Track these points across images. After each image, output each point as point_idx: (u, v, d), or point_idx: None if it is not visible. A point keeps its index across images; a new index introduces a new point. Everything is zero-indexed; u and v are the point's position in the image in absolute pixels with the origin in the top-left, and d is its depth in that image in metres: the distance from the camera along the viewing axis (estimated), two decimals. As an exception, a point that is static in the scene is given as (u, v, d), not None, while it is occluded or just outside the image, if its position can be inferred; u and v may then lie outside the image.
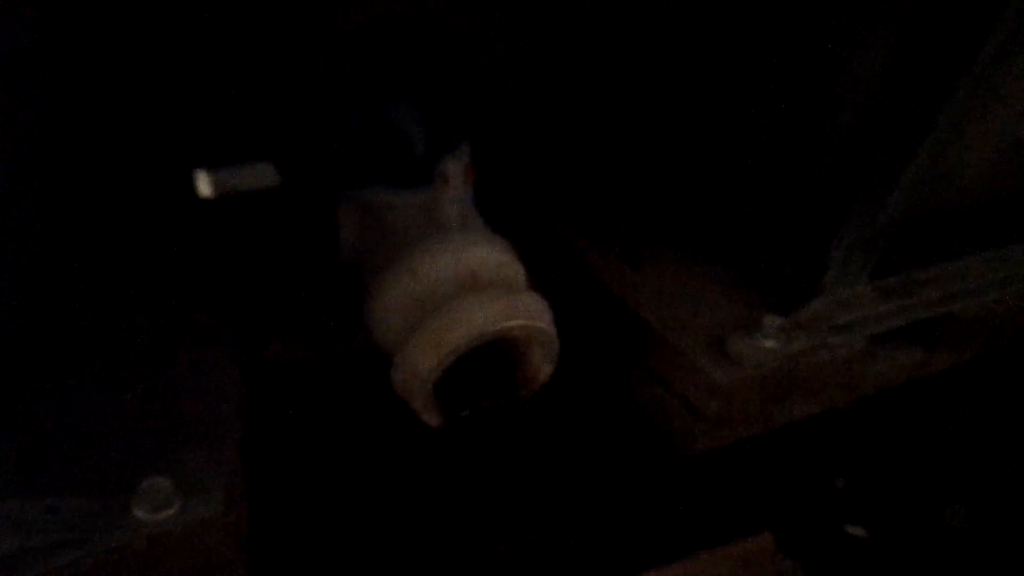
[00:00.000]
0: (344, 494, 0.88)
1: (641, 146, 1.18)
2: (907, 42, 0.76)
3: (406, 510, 0.88)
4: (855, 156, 0.83)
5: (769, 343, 0.84)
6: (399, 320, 0.76)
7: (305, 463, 0.90)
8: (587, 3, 1.05)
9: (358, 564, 0.82)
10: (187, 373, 0.76)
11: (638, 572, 0.82)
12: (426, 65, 0.88)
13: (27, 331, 0.77)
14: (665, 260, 1.00)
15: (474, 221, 0.85)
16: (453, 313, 0.72)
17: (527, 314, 0.74)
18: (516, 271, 0.79)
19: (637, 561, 0.84)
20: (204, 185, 1.11)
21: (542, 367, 0.81)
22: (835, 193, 0.86)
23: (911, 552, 0.92)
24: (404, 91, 0.85)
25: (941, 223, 0.93)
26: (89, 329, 0.80)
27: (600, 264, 1.00)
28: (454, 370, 0.75)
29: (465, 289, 0.74)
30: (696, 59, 1.04)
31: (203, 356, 0.79)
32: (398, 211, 0.80)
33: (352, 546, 0.83)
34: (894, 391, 1.05)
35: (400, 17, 0.90)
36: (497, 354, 0.78)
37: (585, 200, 1.13)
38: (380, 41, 0.87)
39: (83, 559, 0.62)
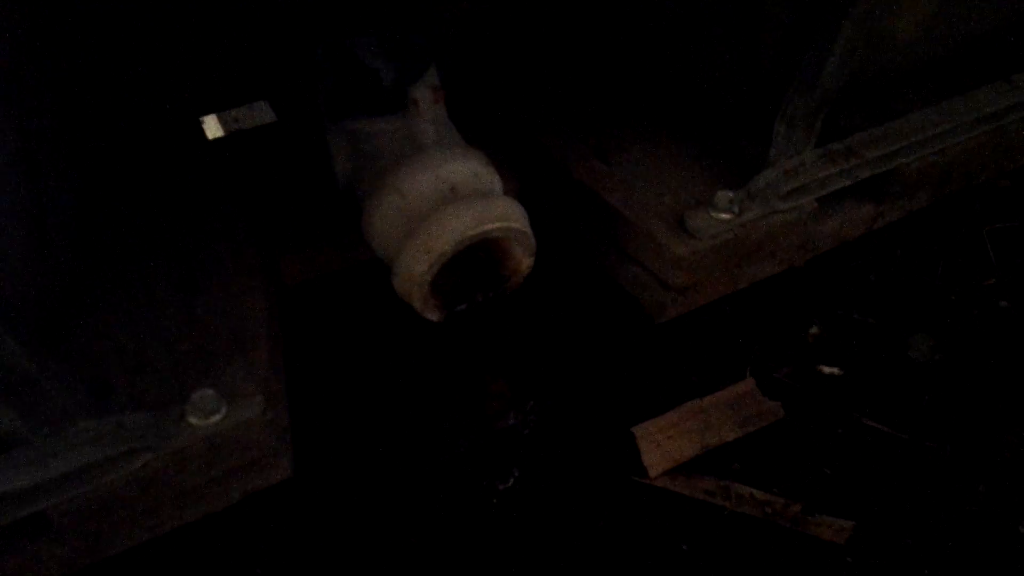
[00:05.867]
0: (368, 385, 1.01)
1: (603, 49, 1.24)
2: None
3: (423, 389, 1.01)
4: (793, 32, 0.90)
5: (723, 215, 0.94)
6: (393, 233, 0.86)
7: (332, 362, 1.03)
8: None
9: (383, 444, 0.95)
10: (218, 299, 0.87)
11: (633, 423, 0.95)
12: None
13: (74, 273, 0.88)
14: (633, 153, 1.09)
15: (449, 136, 0.93)
16: (437, 222, 0.81)
17: (502, 216, 0.84)
18: (491, 179, 0.88)
19: (629, 415, 0.97)
20: (212, 127, 1.21)
21: (523, 260, 0.91)
22: (776, 71, 0.93)
23: (883, 386, 1.02)
24: (368, 29, 0.92)
25: (881, 87, 1.00)
26: (127, 267, 0.91)
27: (574, 161, 1.09)
28: (446, 271, 0.86)
29: (446, 199, 0.84)
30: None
31: (231, 283, 0.90)
32: (380, 137, 0.89)
33: (378, 430, 0.96)
34: (853, 245, 1.14)
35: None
36: (482, 253, 0.89)
37: (557, 106, 1.20)
38: None
39: (153, 462, 0.75)
